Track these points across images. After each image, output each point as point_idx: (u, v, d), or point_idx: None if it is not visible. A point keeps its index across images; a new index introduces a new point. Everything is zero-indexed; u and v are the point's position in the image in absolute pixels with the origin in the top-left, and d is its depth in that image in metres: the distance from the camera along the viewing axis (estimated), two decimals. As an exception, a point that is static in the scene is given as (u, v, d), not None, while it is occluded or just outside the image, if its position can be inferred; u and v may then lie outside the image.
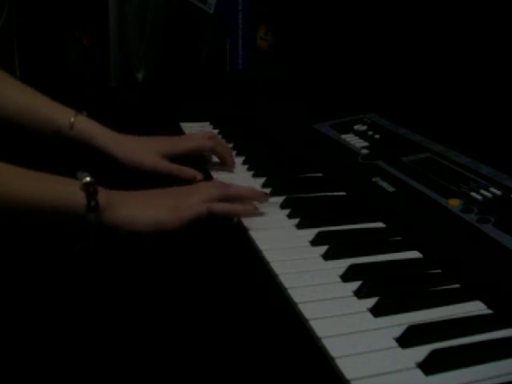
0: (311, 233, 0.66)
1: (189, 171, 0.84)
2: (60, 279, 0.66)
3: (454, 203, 0.68)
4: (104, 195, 0.64)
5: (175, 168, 0.85)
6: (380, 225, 0.70)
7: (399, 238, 0.66)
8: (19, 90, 0.87)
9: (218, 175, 0.87)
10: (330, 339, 0.48)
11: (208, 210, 0.69)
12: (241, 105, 1.26)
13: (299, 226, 0.69)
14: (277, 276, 0.58)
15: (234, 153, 0.96)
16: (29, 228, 0.66)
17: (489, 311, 0.53)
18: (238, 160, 0.92)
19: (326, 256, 0.62)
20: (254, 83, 1.40)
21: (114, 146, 0.85)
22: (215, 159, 0.92)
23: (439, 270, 0.59)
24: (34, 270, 0.67)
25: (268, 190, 0.79)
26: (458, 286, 0.57)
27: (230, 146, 0.99)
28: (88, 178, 0.63)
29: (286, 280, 0.57)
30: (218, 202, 0.71)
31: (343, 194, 0.80)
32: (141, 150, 0.86)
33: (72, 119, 0.85)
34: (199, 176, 0.84)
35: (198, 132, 0.98)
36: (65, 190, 0.63)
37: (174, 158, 0.87)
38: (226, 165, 0.90)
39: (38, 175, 0.63)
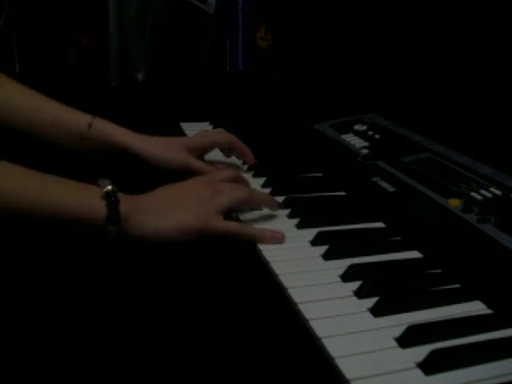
0: (311, 233, 0.66)
1: (213, 169, 0.82)
2: (62, 280, 0.65)
3: (454, 203, 0.68)
4: (125, 205, 0.61)
5: (200, 165, 0.82)
6: (380, 225, 0.70)
7: (399, 238, 0.66)
8: (29, 96, 0.85)
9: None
10: (330, 339, 0.48)
11: (238, 231, 0.66)
12: (241, 105, 1.26)
13: (299, 226, 0.69)
14: (277, 276, 0.58)
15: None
16: (39, 230, 0.63)
17: (489, 311, 0.53)
18: (238, 160, 0.92)
19: (326, 256, 0.62)
20: (253, 83, 1.40)
21: (140, 144, 0.82)
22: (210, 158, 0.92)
23: (439, 270, 0.59)
24: (39, 270, 0.67)
25: (268, 190, 0.79)
26: (458, 285, 0.57)
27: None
28: (110, 187, 0.60)
29: (286, 280, 0.57)
30: (250, 227, 0.68)
31: (343, 193, 0.80)
32: (167, 146, 0.83)
33: (90, 119, 0.83)
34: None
35: (211, 130, 0.96)
36: (85, 197, 0.60)
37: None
38: (247, 160, 0.89)
39: (56, 179, 0.60)
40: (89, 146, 0.84)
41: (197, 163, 0.83)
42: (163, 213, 0.63)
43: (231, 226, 0.66)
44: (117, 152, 0.83)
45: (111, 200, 0.60)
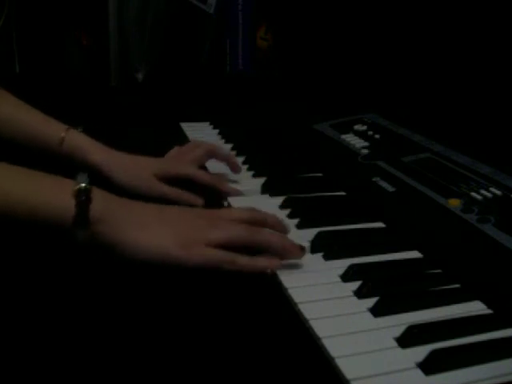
0: (311, 233, 0.66)
1: (187, 196, 0.76)
2: (60, 280, 0.65)
3: (454, 203, 0.68)
4: (100, 206, 0.53)
5: (171, 192, 0.77)
6: (380, 225, 0.70)
7: (399, 238, 0.66)
8: (6, 102, 0.82)
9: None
10: (330, 339, 0.48)
11: (228, 264, 0.57)
12: (241, 105, 1.26)
13: (299, 226, 0.69)
14: (277, 276, 0.58)
15: (234, 153, 0.96)
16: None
17: (489, 311, 0.53)
18: (238, 160, 0.92)
19: (326, 256, 0.62)
20: (253, 83, 1.40)
21: (108, 166, 0.78)
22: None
23: (439, 270, 0.59)
24: (34, 268, 0.66)
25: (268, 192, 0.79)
26: (458, 285, 0.57)
27: (230, 146, 1.00)
28: (83, 184, 0.53)
29: (286, 280, 0.57)
30: (243, 257, 0.59)
31: (343, 193, 0.80)
32: (135, 170, 0.78)
33: (62, 134, 0.79)
34: (199, 202, 0.75)
35: (185, 146, 0.88)
36: (52, 192, 0.53)
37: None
38: (232, 170, 0.86)
39: (22, 170, 0.54)
40: (62, 160, 0.80)
41: (160, 191, 0.77)
42: (143, 225, 0.56)
43: (217, 258, 0.57)
44: (88, 168, 0.78)
45: (81, 199, 0.52)
